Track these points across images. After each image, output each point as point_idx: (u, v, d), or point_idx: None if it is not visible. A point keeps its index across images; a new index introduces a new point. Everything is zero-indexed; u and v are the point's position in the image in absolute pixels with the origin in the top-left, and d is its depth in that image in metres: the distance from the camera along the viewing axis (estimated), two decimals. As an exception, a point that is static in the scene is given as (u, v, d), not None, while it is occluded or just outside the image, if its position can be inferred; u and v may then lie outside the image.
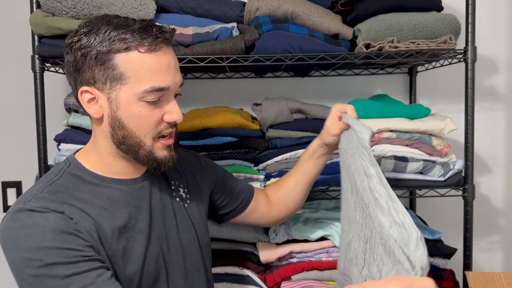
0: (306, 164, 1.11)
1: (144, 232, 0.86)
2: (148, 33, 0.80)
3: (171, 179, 0.98)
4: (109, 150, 0.85)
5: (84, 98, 0.82)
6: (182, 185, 0.99)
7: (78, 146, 1.31)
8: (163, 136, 0.85)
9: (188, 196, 0.99)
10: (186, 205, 0.97)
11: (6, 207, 1.67)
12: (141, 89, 0.79)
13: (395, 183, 1.30)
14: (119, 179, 0.87)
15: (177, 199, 0.96)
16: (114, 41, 0.78)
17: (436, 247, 1.29)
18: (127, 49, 0.79)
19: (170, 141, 0.87)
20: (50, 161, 1.33)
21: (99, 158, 0.87)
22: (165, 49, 0.82)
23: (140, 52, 0.79)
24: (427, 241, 1.27)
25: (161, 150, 0.85)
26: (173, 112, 0.84)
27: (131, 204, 0.86)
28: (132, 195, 0.87)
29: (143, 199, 0.89)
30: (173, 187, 0.97)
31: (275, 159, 1.32)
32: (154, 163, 0.85)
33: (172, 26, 0.86)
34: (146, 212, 0.88)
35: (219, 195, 1.09)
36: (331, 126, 1.03)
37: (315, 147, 1.10)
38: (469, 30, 1.27)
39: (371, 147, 1.33)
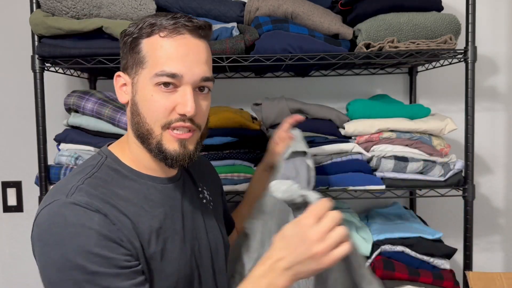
0: (254, 193, 1.17)
1: (179, 233, 0.85)
2: (174, 19, 0.80)
3: (197, 180, 0.98)
4: (136, 141, 0.84)
5: (118, 82, 0.85)
6: (205, 187, 0.99)
7: (78, 146, 1.31)
8: (175, 129, 0.81)
9: (211, 198, 0.98)
10: (211, 207, 0.97)
11: (6, 207, 1.67)
12: (153, 72, 0.78)
13: (395, 183, 1.30)
14: (155, 176, 0.86)
15: (204, 200, 0.95)
16: (143, 27, 0.80)
17: (436, 247, 1.28)
18: (151, 33, 0.80)
19: (184, 136, 0.81)
20: (50, 161, 1.32)
21: (131, 152, 0.85)
22: (188, 38, 0.80)
23: (161, 36, 0.79)
24: (427, 241, 1.28)
25: (171, 143, 0.80)
26: (184, 104, 0.79)
27: (167, 204, 0.85)
28: (166, 195, 0.86)
29: (176, 199, 0.87)
30: (199, 189, 0.96)
31: (275, 159, 1.32)
32: (162, 155, 0.81)
33: (208, 22, 0.85)
34: (179, 213, 0.87)
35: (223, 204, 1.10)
36: (275, 146, 1.13)
37: (258, 176, 1.18)
38: (469, 30, 1.26)
39: (371, 147, 1.33)
